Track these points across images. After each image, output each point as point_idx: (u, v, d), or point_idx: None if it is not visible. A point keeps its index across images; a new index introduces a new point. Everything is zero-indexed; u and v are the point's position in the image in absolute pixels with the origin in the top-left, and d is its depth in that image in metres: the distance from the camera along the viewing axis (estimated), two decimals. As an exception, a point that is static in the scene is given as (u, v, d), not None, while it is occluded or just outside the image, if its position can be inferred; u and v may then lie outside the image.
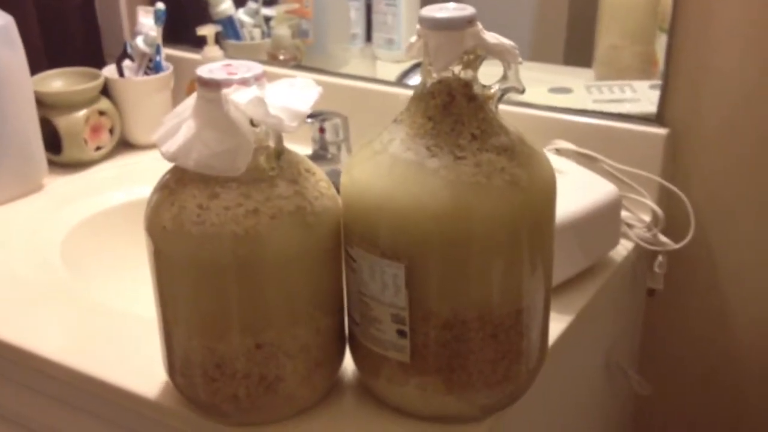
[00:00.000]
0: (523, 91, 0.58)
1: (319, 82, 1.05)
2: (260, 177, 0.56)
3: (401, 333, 0.58)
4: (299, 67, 1.11)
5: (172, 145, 0.54)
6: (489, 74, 0.58)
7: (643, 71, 1.00)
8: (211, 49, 1.04)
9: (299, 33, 1.17)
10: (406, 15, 1.15)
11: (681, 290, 0.92)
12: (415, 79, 1.10)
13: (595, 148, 0.88)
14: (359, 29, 1.19)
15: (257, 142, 0.55)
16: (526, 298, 0.58)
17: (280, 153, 0.56)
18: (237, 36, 1.17)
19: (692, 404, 0.98)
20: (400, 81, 1.09)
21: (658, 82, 0.95)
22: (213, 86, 0.53)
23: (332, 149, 0.96)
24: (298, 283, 0.57)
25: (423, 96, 0.57)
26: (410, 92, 1.01)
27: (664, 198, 0.88)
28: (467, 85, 0.56)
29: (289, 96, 0.54)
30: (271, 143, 0.56)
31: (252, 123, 0.54)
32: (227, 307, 0.57)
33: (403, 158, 0.56)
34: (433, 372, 0.58)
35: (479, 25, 0.55)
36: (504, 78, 0.57)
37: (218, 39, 1.09)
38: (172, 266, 0.57)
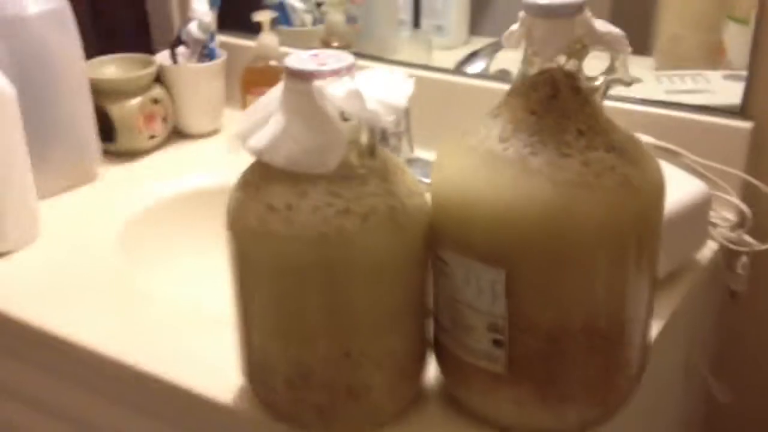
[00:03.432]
0: (630, 84, 0.54)
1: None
2: (350, 174, 0.52)
3: (497, 343, 0.54)
4: (356, 54, 1.06)
5: (260, 140, 0.51)
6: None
7: (709, 60, 0.96)
8: (267, 36, 1.01)
9: (348, 19, 1.13)
10: (457, 0, 1.11)
11: (764, 292, 0.87)
12: (474, 67, 1.06)
13: (673, 141, 0.83)
14: (407, 15, 1.16)
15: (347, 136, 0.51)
16: (633, 306, 0.54)
17: (373, 149, 0.53)
18: (288, 22, 1.13)
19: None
20: (459, 69, 1.05)
21: (733, 72, 0.90)
22: (303, 77, 0.50)
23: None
24: (388, 287, 0.54)
25: (524, 89, 0.53)
26: (471, 81, 0.99)
27: (748, 195, 0.83)
28: (572, 76, 0.52)
29: (383, 88, 0.51)
30: (363, 138, 0.52)
31: (342, 117, 0.51)
32: (314, 313, 0.53)
33: (503, 155, 0.52)
34: (530, 385, 0.55)
35: (588, 12, 0.51)
36: (611, 69, 0.54)
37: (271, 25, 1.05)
38: (257, 268, 0.54)
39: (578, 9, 0.51)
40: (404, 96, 0.51)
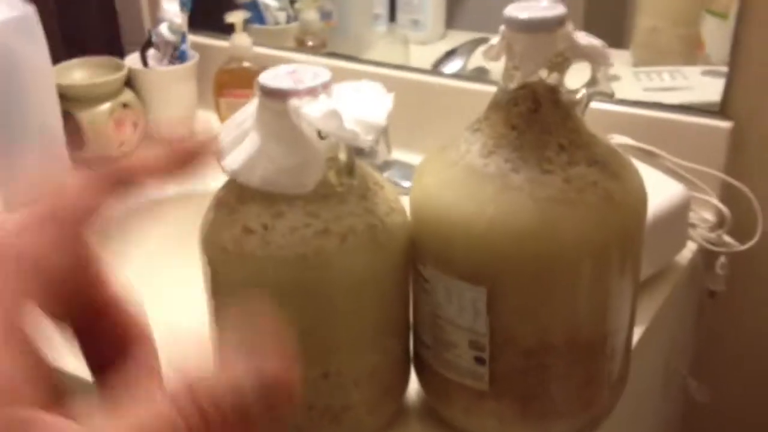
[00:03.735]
0: (612, 96, 0.53)
1: (351, 70, 1.00)
2: (328, 193, 0.51)
3: (479, 360, 0.53)
4: (332, 54, 1.05)
5: (234, 160, 0.49)
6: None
7: (687, 55, 0.96)
8: (240, 37, 0.99)
9: (322, 15, 1.11)
10: (433, -6, 1.10)
11: (742, 292, 0.87)
12: (452, 66, 1.05)
13: (652, 142, 0.83)
14: (382, 9, 1.14)
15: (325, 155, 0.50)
16: (615, 319, 0.54)
17: (351, 168, 0.51)
18: (261, 20, 1.11)
19: (750, 411, 0.94)
20: (436, 68, 1.04)
21: (711, 67, 0.90)
22: (279, 97, 0.48)
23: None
24: (368, 306, 0.53)
25: (504, 103, 0.52)
26: (449, 82, 0.98)
27: (727, 196, 0.83)
28: (554, 90, 0.51)
29: (361, 106, 0.49)
30: (342, 156, 0.51)
31: (319, 134, 0.49)
32: (291, 334, 0.52)
33: (483, 171, 0.51)
34: (512, 401, 0.54)
35: (570, 25, 0.50)
36: (592, 81, 0.53)
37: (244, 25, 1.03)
38: (233, 290, 0.52)
39: (560, 23, 0.49)
40: (383, 114, 0.49)
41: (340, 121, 0.47)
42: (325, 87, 0.49)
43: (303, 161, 0.49)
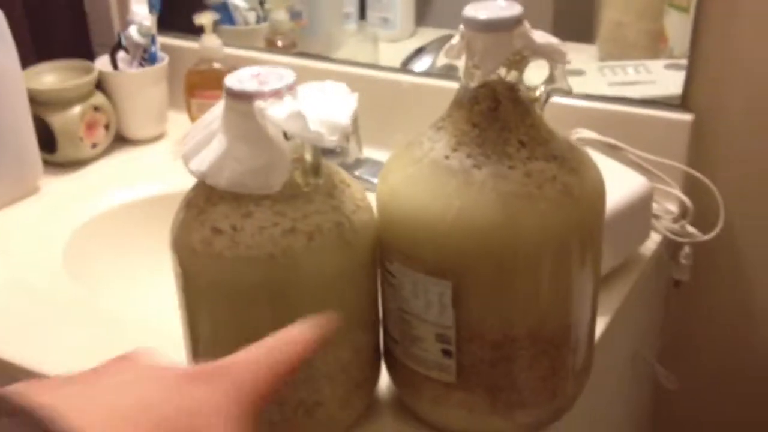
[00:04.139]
0: (570, 92, 0.55)
1: (321, 70, 1.00)
2: (295, 193, 0.52)
3: (446, 353, 0.55)
4: (302, 54, 1.06)
5: (202, 162, 0.50)
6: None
7: (652, 49, 0.97)
8: (209, 38, 0.99)
9: (292, 15, 1.12)
10: (403, -8, 1.11)
11: (706, 281, 0.90)
12: (421, 63, 1.06)
13: (615, 135, 0.84)
14: (352, 8, 1.15)
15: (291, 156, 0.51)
16: (577, 311, 0.55)
17: (318, 168, 0.53)
18: (231, 21, 1.12)
19: (716, 398, 0.96)
20: (405, 66, 1.05)
21: (673, 61, 0.92)
22: (244, 99, 0.49)
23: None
24: (337, 303, 0.54)
25: (465, 101, 0.53)
26: (418, 79, 0.99)
27: (689, 187, 0.85)
28: (513, 88, 0.53)
29: (325, 106, 0.50)
30: (307, 156, 0.52)
31: (285, 135, 0.51)
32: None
33: (446, 167, 0.52)
34: (480, 392, 0.55)
35: (527, 24, 0.52)
36: (550, 79, 0.54)
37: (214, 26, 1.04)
38: (204, 290, 0.53)
39: (517, 22, 0.51)
40: (347, 114, 0.50)
41: (305, 122, 0.48)
42: (290, 88, 0.50)
43: (269, 162, 0.50)
